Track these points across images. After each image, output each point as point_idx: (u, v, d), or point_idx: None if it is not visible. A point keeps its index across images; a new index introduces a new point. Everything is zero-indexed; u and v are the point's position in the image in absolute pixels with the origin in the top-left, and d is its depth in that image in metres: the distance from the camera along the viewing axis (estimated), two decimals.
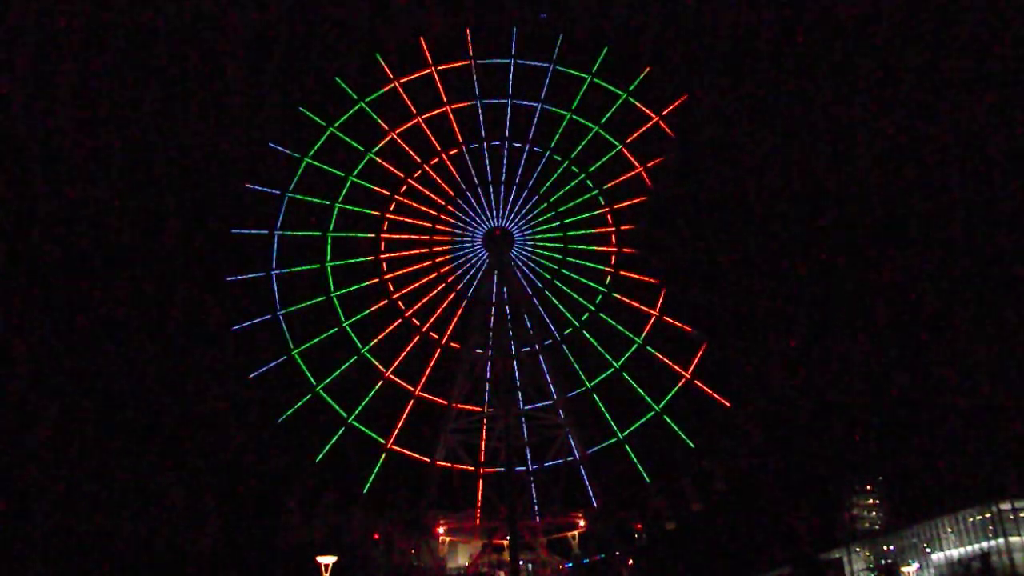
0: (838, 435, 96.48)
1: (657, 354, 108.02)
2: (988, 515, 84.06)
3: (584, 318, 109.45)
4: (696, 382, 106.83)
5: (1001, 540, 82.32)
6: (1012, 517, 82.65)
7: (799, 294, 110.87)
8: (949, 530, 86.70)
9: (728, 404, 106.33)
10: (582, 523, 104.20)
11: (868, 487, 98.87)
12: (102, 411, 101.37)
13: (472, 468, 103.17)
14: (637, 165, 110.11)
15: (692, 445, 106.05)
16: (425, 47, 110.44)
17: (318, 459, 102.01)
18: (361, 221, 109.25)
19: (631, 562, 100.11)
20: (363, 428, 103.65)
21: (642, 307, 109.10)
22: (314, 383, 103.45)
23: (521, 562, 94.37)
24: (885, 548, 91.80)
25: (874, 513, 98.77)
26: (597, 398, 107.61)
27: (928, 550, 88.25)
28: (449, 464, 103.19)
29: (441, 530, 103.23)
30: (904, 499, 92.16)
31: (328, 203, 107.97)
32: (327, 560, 58.94)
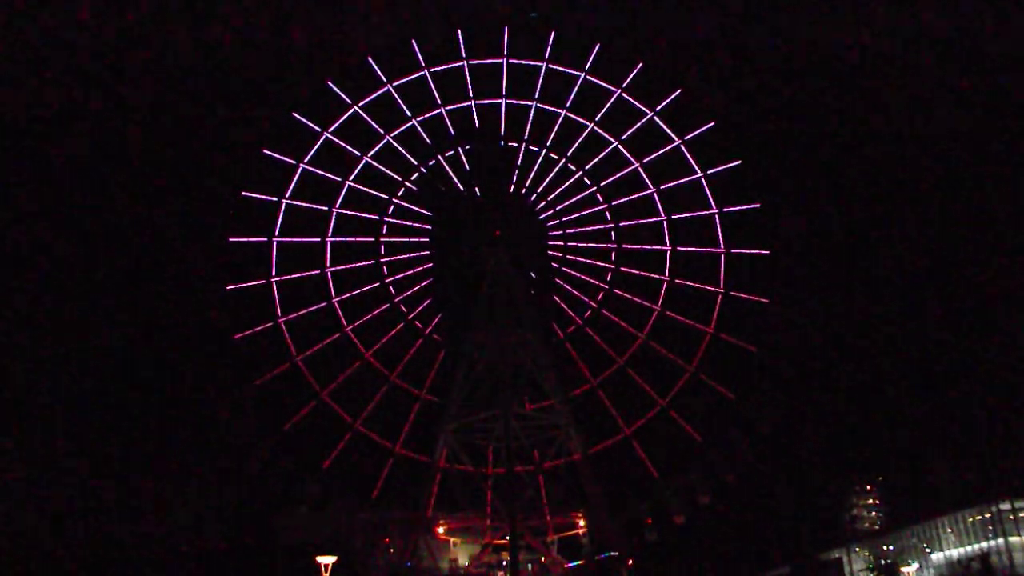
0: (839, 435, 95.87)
1: (661, 349, 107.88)
2: (988, 515, 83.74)
3: (586, 315, 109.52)
4: (701, 375, 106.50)
5: (1001, 540, 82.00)
6: (1012, 517, 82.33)
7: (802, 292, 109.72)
8: (949, 530, 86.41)
9: (732, 396, 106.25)
10: (582, 523, 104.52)
11: (868, 487, 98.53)
12: (104, 419, 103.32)
13: (472, 468, 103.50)
14: (634, 161, 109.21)
15: (699, 438, 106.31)
16: (417, 49, 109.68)
17: (325, 465, 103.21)
18: (360, 225, 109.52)
19: (631, 562, 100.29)
20: (369, 433, 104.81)
21: (644, 302, 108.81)
22: (318, 389, 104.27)
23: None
24: (885, 548, 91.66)
25: (874, 513, 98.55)
26: (602, 395, 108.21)
27: (928, 550, 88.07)
28: (450, 465, 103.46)
29: (441, 530, 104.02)
30: (904, 499, 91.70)
31: (326, 208, 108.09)
32: (327, 560, 59.99)
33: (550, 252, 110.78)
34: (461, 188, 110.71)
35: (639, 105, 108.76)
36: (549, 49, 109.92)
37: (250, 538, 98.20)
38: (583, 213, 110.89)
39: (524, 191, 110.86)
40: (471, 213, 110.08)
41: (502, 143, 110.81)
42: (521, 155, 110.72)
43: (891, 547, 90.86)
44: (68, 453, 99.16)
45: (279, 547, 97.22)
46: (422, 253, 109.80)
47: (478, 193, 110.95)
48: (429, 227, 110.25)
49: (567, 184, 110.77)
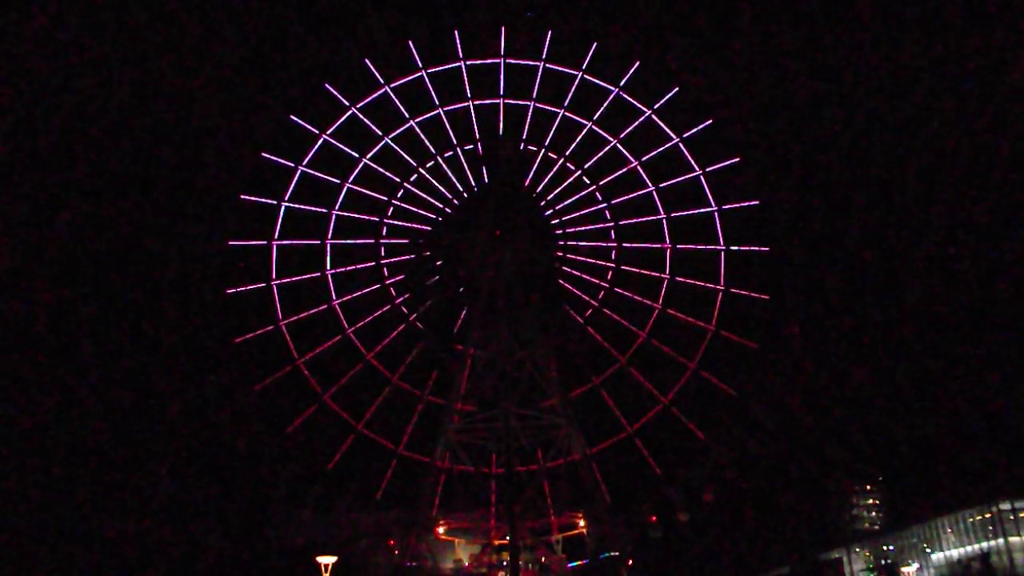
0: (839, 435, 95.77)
1: (662, 347, 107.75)
2: (988, 515, 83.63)
3: (587, 315, 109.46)
4: (702, 373, 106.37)
5: (1001, 540, 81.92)
6: (1012, 517, 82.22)
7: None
8: (949, 530, 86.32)
9: (733, 393, 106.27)
10: (582, 523, 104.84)
11: (868, 487, 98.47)
12: (107, 422, 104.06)
13: (472, 469, 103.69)
14: (632, 159, 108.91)
15: (701, 436, 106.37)
16: (414, 50, 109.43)
17: (329, 467, 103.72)
18: (359, 227, 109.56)
19: (631, 561, 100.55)
20: (373, 435, 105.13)
21: (645, 300, 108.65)
22: (320, 392, 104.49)
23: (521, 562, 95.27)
24: (885, 548, 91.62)
25: (874, 513, 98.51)
26: (604, 393, 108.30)
27: (928, 550, 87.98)
28: (450, 465, 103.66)
29: (442, 530, 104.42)
30: (904, 499, 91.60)
31: (325, 211, 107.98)
32: (327, 560, 60.35)
33: (550, 251, 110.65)
34: (461, 188, 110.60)
35: (637, 104, 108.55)
36: (546, 49, 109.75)
37: (252, 539, 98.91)
38: (583, 212, 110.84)
39: (524, 191, 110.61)
40: (471, 213, 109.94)
41: (501, 143, 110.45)
42: (520, 155, 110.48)
43: (891, 547, 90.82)
44: (71, 455, 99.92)
45: (282, 548, 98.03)
46: (423, 254, 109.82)
47: (478, 193, 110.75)
48: (429, 228, 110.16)
49: (566, 183, 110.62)
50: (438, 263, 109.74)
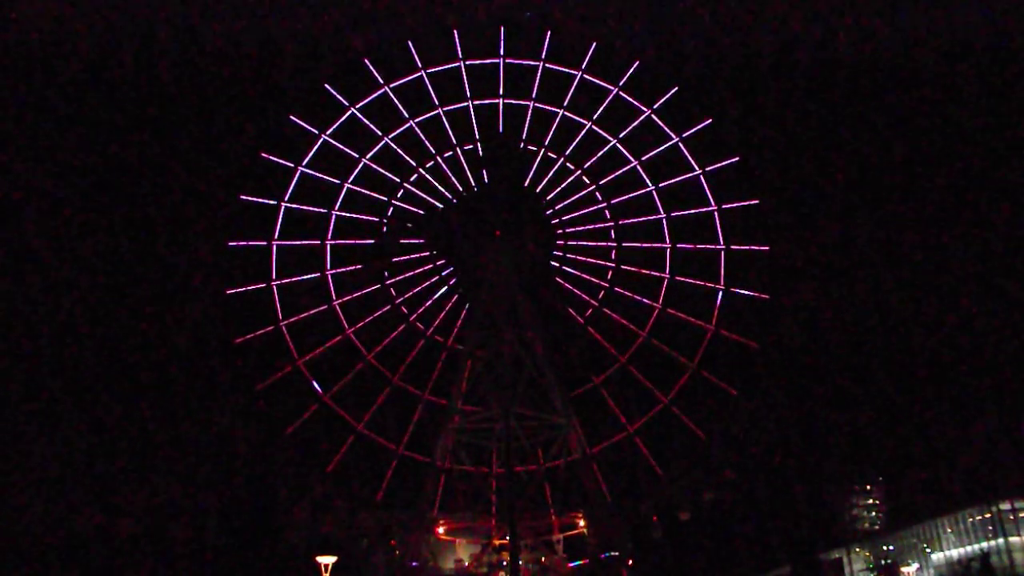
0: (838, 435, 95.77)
1: (663, 346, 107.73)
2: (988, 515, 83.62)
3: (587, 315, 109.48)
4: (703, 372, 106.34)
5: (1001, 540, 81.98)
6: (1012, 517, 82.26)
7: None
8: (949, 530, 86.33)
9: (734, 393, 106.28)
10: (582, 523, 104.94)
11: (868, 487, 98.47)
12: (108, 422, 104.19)
13: (473, 469, 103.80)
14: (632, 159, 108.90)
15: (702, 435, 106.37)
16: (413, 50, 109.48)
17: (329, 468, 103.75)
18: (359, 227, 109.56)
19: (631, 561, 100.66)
20: (373, 435, 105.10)
21: (645, 300, 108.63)
22: (321, 392, 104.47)
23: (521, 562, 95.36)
24: (885, 548, 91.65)
25: (874, 513, 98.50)
26: (605, 393, 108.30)
27: (928, 550, 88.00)
28: (452, 466, 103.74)
29: (442, 530, 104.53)
30: (904, 499, 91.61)
31: (325, 211, 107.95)
32: (327, 560, 60.38)
33: (550, 251, 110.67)
34: (460, 189, 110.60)
35: (636, 103, 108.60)
36: (546, 49, 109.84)
37: (253, 539, 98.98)
38: (583, 212, 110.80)
39: (524, 191, 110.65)
40: (471, 214, 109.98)
41: (501, 143, 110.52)
42: (520, 155, 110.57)
43: (891, 547, 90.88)
44: (72, 455, 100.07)
45: (282, 548, 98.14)
46: (422, 255, 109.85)
47: (478, 194, 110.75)
48: (430, 229, 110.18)
49: (566, 183, 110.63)
50: (439, 262, 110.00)
